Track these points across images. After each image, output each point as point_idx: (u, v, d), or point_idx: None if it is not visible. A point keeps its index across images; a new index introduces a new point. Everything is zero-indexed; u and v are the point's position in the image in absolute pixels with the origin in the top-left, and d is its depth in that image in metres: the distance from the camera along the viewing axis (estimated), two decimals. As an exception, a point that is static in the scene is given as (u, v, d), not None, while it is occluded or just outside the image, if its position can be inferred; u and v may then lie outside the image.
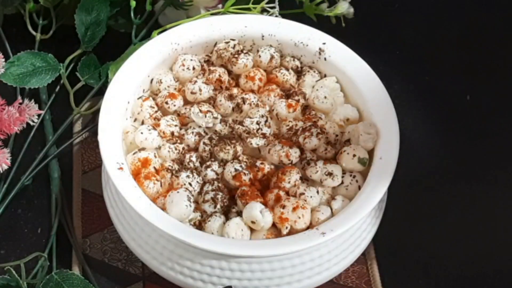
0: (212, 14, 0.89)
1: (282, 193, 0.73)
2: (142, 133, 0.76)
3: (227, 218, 0.73)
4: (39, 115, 0.82)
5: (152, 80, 0.80)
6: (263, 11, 0.89)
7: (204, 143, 0.75)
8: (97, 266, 0.80)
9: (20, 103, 0.80)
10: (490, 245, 0.83)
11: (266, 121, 0.77)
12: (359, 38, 0.99)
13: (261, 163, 0.75)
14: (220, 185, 0.74)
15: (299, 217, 0.72)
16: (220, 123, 0.77)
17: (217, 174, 0.75)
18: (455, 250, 0.83)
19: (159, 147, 0.76)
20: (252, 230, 0.73)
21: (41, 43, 0.91)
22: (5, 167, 0.78)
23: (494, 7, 1.03)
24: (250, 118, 0.77)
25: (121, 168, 0.72)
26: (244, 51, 0.82)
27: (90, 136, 0.88)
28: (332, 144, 0.77)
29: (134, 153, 0.75)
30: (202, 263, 0.73)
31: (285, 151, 0.75)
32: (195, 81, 0.79)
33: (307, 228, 0.72)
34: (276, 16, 0.88)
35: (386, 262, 0.81)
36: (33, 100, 0.81)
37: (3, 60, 0.83)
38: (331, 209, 0.74)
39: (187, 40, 0.82)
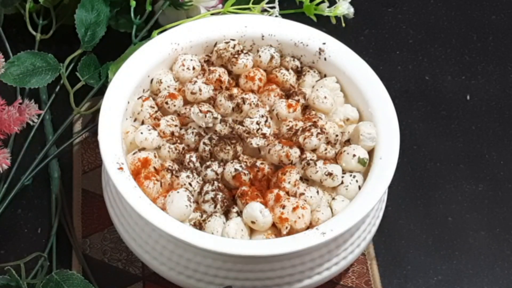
0: (212, 14, 0.89)
1: (282, 193, 0.73)
2: (142, 133, 0.76)
3: (227, 218, 0.73)
4: (39, 115, 0.82)
5: (152, 80, 0.80)
6: (263, 11, 0.89)
7: (204, 143, 0.75)
8: (97, 266, 0.79)
9: (20, 103, 0.80)
10: (491, 244, 0.83)
11: (266, 121, 0.77)
12: (359, 38, 0.99)
13: (261, 163, 0.75)
14: (220, 185, 0.74)
15: (299, 217, 0.72)
16: (220, 123, 0.77)
17: (217, 174, 0.75)
18: (456, 250, 0.83)
19: (159, 147, 0.76)
20: (252, 230, 0.73)
21: (41, 43, 0.91)
22: (5, 167, 0.78)
23: (494, 7, 1.03)
24: (250, 118, 0.77)
25: (121, 168, 0.72)
26: (244, 51, 0.82)
27: (90, 136, 0.88)
28: (332, 144, 0.77)
29: (134, 153, 0.75)
30: (202, 263, 0.73)
31: (285, 151, 0.75)
32: (195, 81, 0.79)
33: (307, 228, 0.72)
34: (276, 16, 0.88)
35: (386, 262, 0.81)
36: (33, 100, 0.81)
37: (3, 60, 0.83)
38: (331, 209, 0.74)
39: (187, 40, 0.82)
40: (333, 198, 0.74)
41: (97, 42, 0.89)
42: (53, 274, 0.74)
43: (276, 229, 0.73)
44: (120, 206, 0.76)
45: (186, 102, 0.79)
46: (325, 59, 0.82)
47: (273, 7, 0.89)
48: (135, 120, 0.78)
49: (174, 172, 0.74)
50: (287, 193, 0.74)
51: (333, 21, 0.90)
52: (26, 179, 0.84)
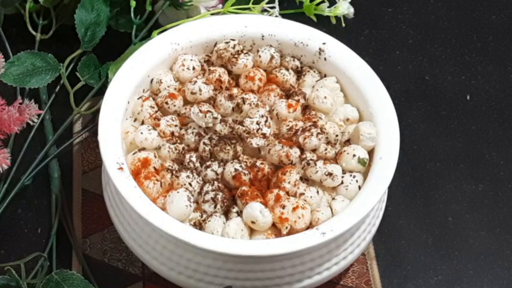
0: (212, 14, 0.89)
1: (282, 193, 0.73)
2: (142, 133, 0.76)
3: (227, 218, 0.73)
4: (39, 115, 0.82)
5: (152, 80, 0.80)
6: (263, 11, 0.89)
7: (204, 143, 0.75)
8: (97, 266, 0.79)
9: (20, 103, 0.80)
10: (491, 244, 0.83)
11: (266, 121, 0.77)
12: (359, 38, 0.99)
13: (261, 163, 0.75)
14: (220, 185, 0.74)
15: (299, 217, 0.72)
16: (220, 123, 0.77)
17: (217, 174, 0.75)
18: (456, 250, 0.83)
19: (159, 147, 0.76)
20: (252, 230, 0.73)
21: (41, 43, 0.91)
22: (5, 167, 0.78)
23: (494, 7, 1.03)
24: (250, 118, 0.77)
25: (121, 168, 0.72)
26: (244, 51, 0.82)
27: (90, 136, 0.88)
28: (332, 144, 0.77)
29: (134, 153, 0.75)
30: (202, 263, 0.73)
31: (285, 151, 0.75)
32: (195, 81, 0.79)
33: (307, 228, 0.72)
34: (276, 16, 0.88)
35: (386, 262, 0.81)
36: (33, 100, 0.81)
37: (3, 60, 0.83)
38: (331, 209, 0.74)
39: (187, 40, 0.82)
40: (333, 198, 0.74)
41: (97, 42, 0.89)
42: (53, 274, 0.74)
43: (276, 229, 0.73)
44: (120, 206, 0.76)
45: (186, 102, 0.79)
46: (325, 59, 0.82)
47: (273, 7, 0.89)
48: (135, 120, 0.78)
49: (174, 172, 0.74)
50: (287, 193, 0.74)
51: (333, 21, 0.90)
52: (26, 179, 0.84)
